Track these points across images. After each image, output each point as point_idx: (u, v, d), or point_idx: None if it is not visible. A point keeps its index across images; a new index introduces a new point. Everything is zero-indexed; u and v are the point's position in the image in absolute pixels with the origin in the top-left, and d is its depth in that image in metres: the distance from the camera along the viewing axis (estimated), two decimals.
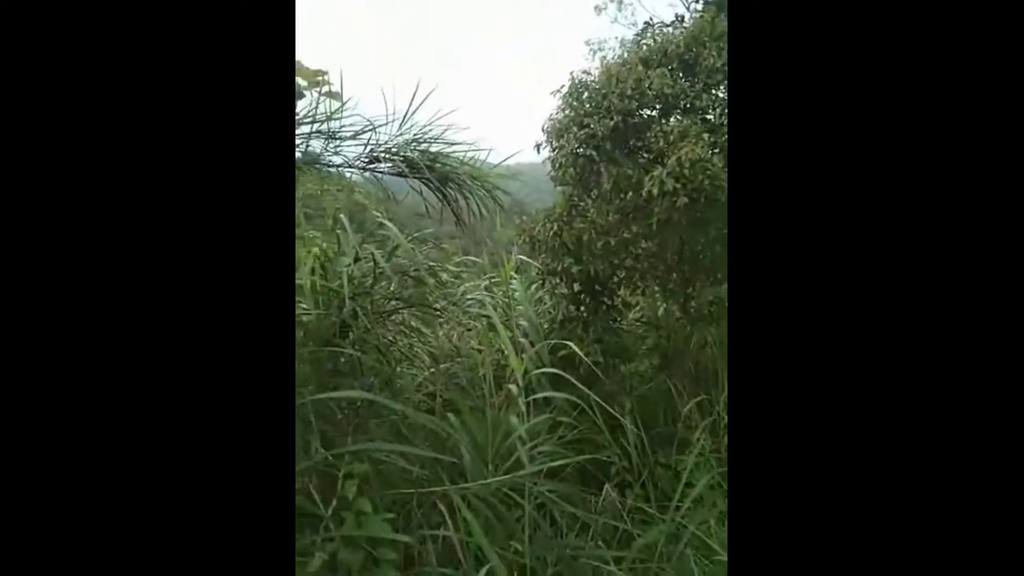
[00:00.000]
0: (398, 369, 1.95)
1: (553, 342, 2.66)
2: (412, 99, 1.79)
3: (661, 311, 3.34)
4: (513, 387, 1.90)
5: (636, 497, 2.20)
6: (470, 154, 2.01)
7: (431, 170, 1.91)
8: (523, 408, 1.87)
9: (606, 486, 2.23)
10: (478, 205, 2.07)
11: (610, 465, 2.49)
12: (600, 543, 1.87)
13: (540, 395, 2.06)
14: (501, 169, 2.21)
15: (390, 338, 1.88)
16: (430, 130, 1.92)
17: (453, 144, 1.99)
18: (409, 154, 1.86)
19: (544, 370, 2.19)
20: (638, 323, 3.33)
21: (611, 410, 2.02)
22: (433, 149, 1.94)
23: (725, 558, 1.52)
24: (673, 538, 1.81)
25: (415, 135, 1.91)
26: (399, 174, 1.91)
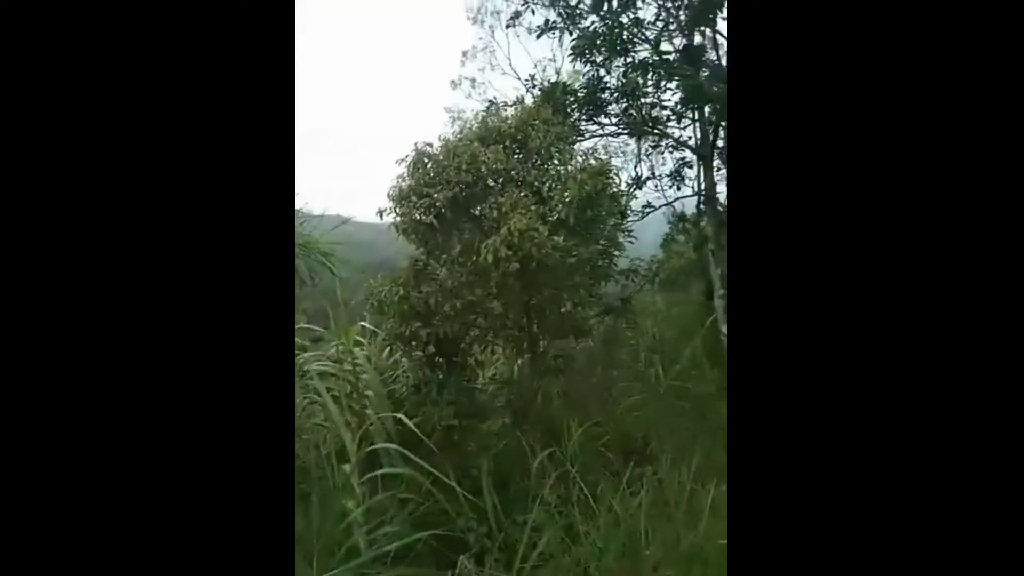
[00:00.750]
0: None
1: (406, 411, 2.56)
2: None
3: (515, 369, 3.46)
4: (347, 467, 1.77)
5: (495, 563, 2.14)
6: (303, 222, 1.95)
7: None
8: (357, 489, 1.74)
9: (461, 558, 2.14)
10: (310, 274, 1.99)
11: (468, 534, 2.40)
12: None
13: (383, 471, 1.95)
14: (336, 235, 2.17)
15: None
16: None
17: None
18: None
19: (388, 445, 2.09)
20: (492, 381, 3.40)
21: (447, 480, 1.97)
22: None
23: None
24: None
25: None
26: None
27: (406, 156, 3.12)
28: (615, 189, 3.01)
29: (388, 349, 3.09)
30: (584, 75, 5.09)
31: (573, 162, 3.26)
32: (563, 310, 2.92)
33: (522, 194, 2.81)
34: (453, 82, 6.42)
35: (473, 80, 6.42)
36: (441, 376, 2.99)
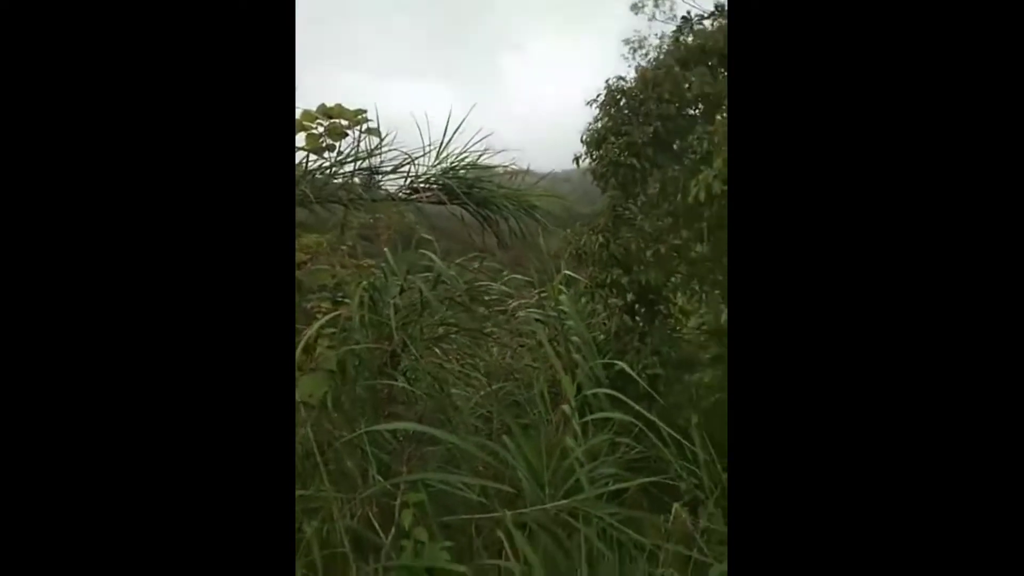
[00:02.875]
0: (453, 391, 1.97)
1: (608, 355, 2.59)
2: (446, 129, 1.83)
3: (724, 317, 3.16)
4: (566, 407, 1.86)
5: (709, 516, 2.06)
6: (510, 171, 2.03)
7: (469, 195, 1.95)
8: (578, 428, 1.82)
9: (675, 506, 2.12)
10: (518, 225, 2.08)
11: (679, 484, 2.35)
12: (674, 571, 1.76)
13: (596, 416, 2.00)
14: (539, 188, 2.21)
15: (441, 363, 1.90)
16: (466, 156, 1.96)
17: (489, 168, 2.02)
18: (447, 182, 1.90)
19: (598, 390, 2.13)
20: (699, 331, 3.17)
21: (665, 428, 1.91)
22: (471, 175, 1.98)
23: None
24: None
25: (451, 163, 1.96)
26: (439, 202, 1.96)
27: (597, 96, 2.98)
28: None
29: (583, 298, 3.12)
30: None
31: None
32: None
33: None
34: (634, 5, 5.83)
35: None
36: (642, 324, 2.92)
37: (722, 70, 2.72)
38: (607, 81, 2.95)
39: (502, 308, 3.16)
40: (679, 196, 2.54)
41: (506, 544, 1.41)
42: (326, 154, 1.77)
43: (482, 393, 2.26)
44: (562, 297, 3.03)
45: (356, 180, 1.85)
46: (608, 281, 2.79)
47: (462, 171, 1.97)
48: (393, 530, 1.28)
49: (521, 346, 3.05)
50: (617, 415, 2.14)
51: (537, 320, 2.91)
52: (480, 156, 1.98)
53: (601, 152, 2.72)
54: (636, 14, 5.60)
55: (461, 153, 1.96)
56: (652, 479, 1.95)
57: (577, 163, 2.84)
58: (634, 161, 2.60)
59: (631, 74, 2.95)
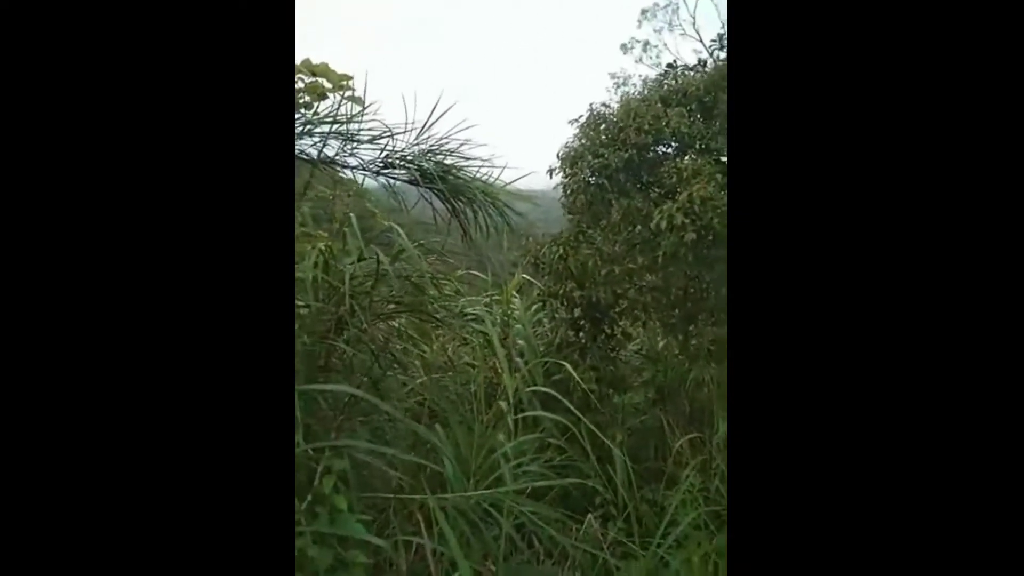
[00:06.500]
0: (388, 373, 1.95)
1: (548, 363, 2.65)
2: (432, 110, 1.84)
3: (661, 345, 3.32)
4: (503, 404, 1.89)
5: (618, 531, 2.15)
6: (484, 171, 2.06)
7: (443, 181, 1.95)
8: (511, 426, 1.85)
9: (589, 516, 2.18)
10: (485, 221, 2.09)
11: (595, 494, 2.43)
12: (578, 573, 1.81)
13: (529, 414, 2.04)
14: (512, 188, 2.24)
15: (384, 341, 1.88)
16: (447, 142, 1.96)
17: (468, 159, 2.03)
18: (424, 164, 1.90)
19: (536, 388, 2.18)
20: (636, 355, 3.31)
21: (603, 436, 1.99)
22: (448, 161, 1.98)
23: None
24: (653, 575, 1.76)
25: (431, 146, 1.95)
26: (411, 182, 1.95)
27: (579, 116, 3.09)
28: None
29: (535, 306, 3.18)
30: None
31: None
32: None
33: (704, 160, 2.60)
34: (624, 45, 6.10)
35: (646, 43, 6.01)
36: (584, 340, 3.01)
37: (699, 115, 2.89)
38: (591, 104, 3.06)
39: (453, 303, 3.16)
40: (638, 227, 2.66)
41: (422, 525, 1.41)
42: (301, 111, 1.72)
43: (419, 381, 2.25)
44: (515, 301, 3.08)
45: (329, 145, 1.81)
46: (560, 293, 2.86)
47: (440, 156, 1.97)
48: (309, 496, 1.25)
49: (464, 343, 3.05)
50: (548, 415, 2.19)
51: (487, 321, 2.94)
52: (461, 145, 1.99)
53: (575, 170, 2.81)
54: (625, 53, 5.90)
55: (442, 138, 1.96)
56: (571, 481, 2.01)
57: (550, 175, 2.92)
58: (604, 183, 2.70)
59: (614, 104, 3.08)
